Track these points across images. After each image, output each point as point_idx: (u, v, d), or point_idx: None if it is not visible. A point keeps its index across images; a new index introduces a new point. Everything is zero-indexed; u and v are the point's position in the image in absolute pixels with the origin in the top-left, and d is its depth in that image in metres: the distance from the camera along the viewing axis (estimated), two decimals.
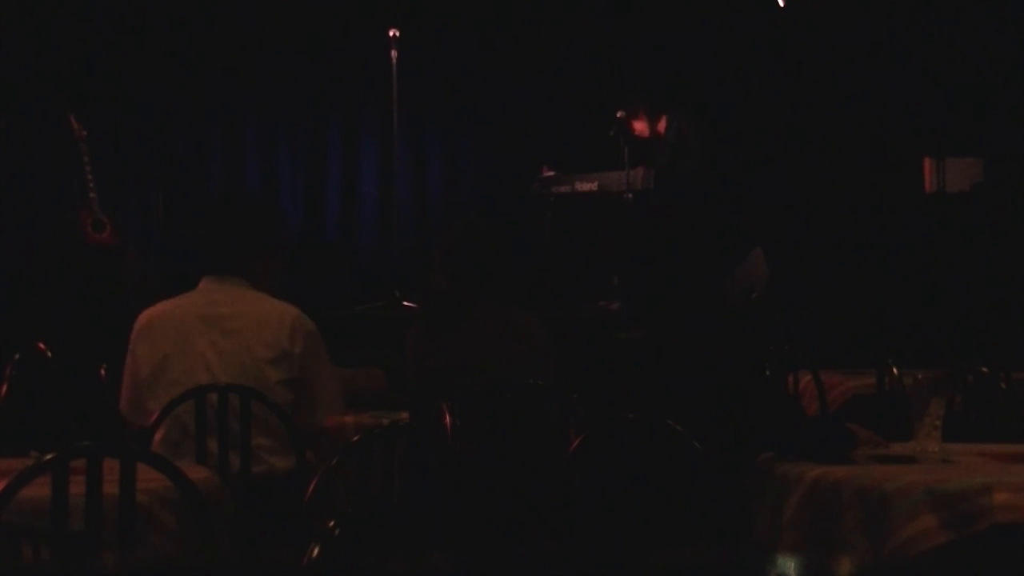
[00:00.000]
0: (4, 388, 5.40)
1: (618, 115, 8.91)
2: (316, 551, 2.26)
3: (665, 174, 8.89)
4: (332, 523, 2.33)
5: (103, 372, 5.33)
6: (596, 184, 9.05)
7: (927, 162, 9.07)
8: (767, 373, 5.80)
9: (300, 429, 4.35)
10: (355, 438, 3.60)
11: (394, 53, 8.84)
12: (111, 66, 9.45)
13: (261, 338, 4.38)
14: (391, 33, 8.84)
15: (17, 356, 5.53)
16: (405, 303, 8.47)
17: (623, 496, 3.76)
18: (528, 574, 1.93)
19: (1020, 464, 3.65)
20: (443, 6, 9.89)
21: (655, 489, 3.73)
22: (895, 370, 5.80)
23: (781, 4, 9.12)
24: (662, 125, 9.08)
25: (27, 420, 5.37)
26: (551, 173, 9.30)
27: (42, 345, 5.66)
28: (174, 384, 4.33)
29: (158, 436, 4.29)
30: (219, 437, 4.28)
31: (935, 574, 2.23)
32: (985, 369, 5.20)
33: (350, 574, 2.21)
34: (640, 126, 9.05)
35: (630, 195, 8.82)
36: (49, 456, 3.03)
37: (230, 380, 4.33)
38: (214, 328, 4.40)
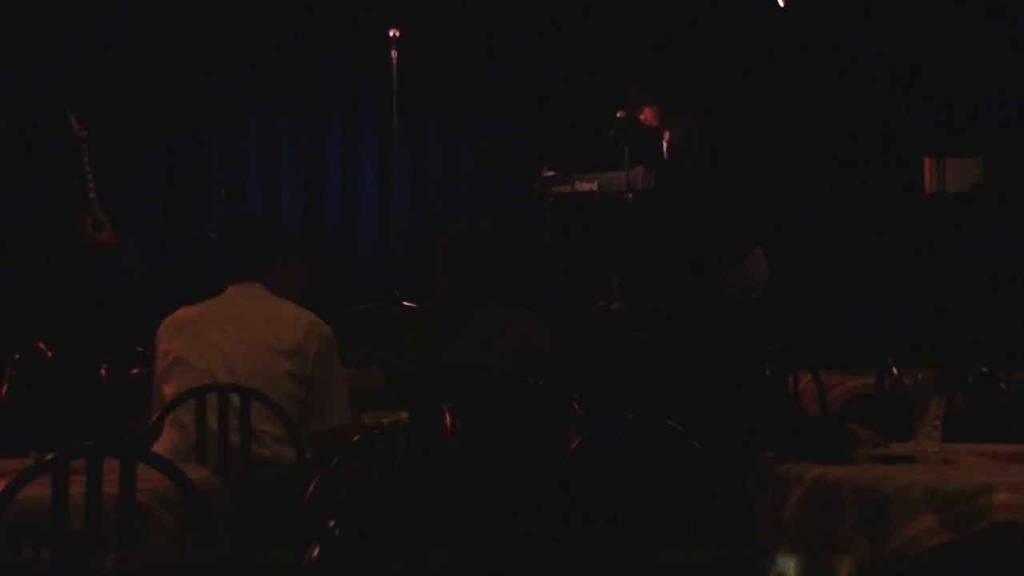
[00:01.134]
0: (4, 388, 5.40)
1: (618, 115, 8.91)
2: (316, 551, 2.26)
3: (665, 174, 8.89)
4: (332, 523, 2.33)
5: (103, 372, 5.34)
6: (596, 184, 9.05)
7: (927, 162, 9.07)
8: (767, 373, 5.80)
9: (307, 433, 4.41)
10: (355, 438, 3.60)
11: (394, 53, 8.84)
12: (111, 66, 9.44)
13: (276, 332, 4.49)
14: (391, 33, 8.84)
15: (17, 356, 5.53)
16: (405, 303, 8.47)
17: (623, 496, 3.76)
18: (528, 574, 1.93)
19: (1020, 464, 3.65)
20: (443, 6, 9.89)
21: (655, 489, 3.73)
22: (895, 370, 5.81)
23: (781, 4, 9.12)
24: (671, 121, 9.06)
25: (27, 420, 5.38)
26: (551, 173, 9.30)
27: (42, 345, 5.66)
28: (188, 371, 4.43)
29: (167, 423, 4.34)
30: (220, 432, 4.30)
31: (935, 574, 2.23)
32: (985, 369, 5.20)
33: (350, 574, 2.21)
34: (649, 113, 9.02)
35: (630, 195, 8.82)
36: (49, 456, 3.03)
37: (243, 367, 4.42)
38: (230, 322, 4.51)
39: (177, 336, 4.52)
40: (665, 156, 9.08)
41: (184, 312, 4.60)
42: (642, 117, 9.00)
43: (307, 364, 4.49)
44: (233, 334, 4.49)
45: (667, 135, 9.09)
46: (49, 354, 5.65)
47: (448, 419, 4.03)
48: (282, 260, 4.67)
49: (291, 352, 4.48)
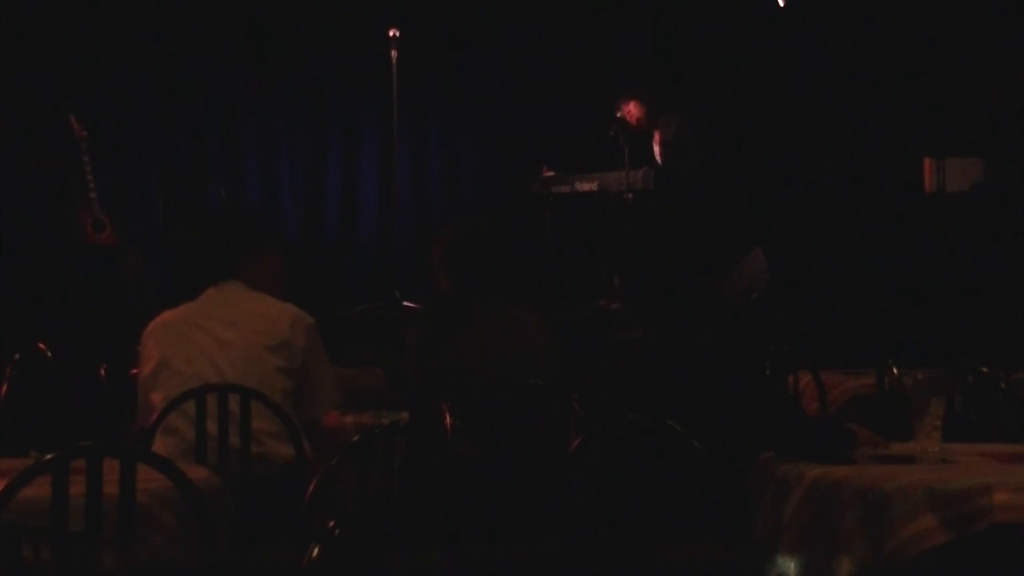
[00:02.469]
0: (4, 388, 5.41)
1: (618, 115, 8.90)
2: (316, 551, 2.26)
3: (665, 174, 8.89)
4: (332, 523, 2.33)
5: (103, 372, 5.34)
6: (596, 184, 9.05)
7: (927, 162, 9.07)
8: (767, 373, 5.80)
9: (301, 422, 4.44)
10: (355, 438, 3.61)
11: (394, 53, 8.84)
12: (111, 66, 9.45)
13: (261, 328, 4.50)
14: (391, 33, 8.84)
15: (17, 356, 5.53)
16: (405, 303, 8.47)
17: (623, 496, 3.76)
18: (528, 574, 1.93)
19: (1020, 464, 3.65)
20: (443, 6, 9.89)
21: (655, 489, 3.73)
22: (895, 370, 5.81)
23: (781, 4, 9.12)
24: (660, 121, 9.06)
25: (27, 420, 5.38)
26: (551, 173, 9.29)
27: (42, 345, 5.66)
28: (177, 374, 4.43)
29: (159, 431, 4.34)
30: (220, 431, 4.31)
31: (935, 574, 2.23)
32: (985, 369, 5.20)
33: (350, 574, 2.21)
34: (633, 108, 9.01)
35: (630, 195, 8.81)
36: (49, 456, 3.03)
37: (231, 367, 4.44)
38: (215, 323, 4.52)
39: (162, 341, 4.52)
40: (658, 158, 9.07)
41: (166, 316, 4.60)
42: (626, 111, 8.99)
43: (295, 357, 4.51)
44: (218, 335, 4.50)
45: (657, 135, 9.09)
46: (49, 354, 5.65)
47: (448, 419, 4.03)
48: (256, 256, 4.67)
49: (278, 347, 4.49)
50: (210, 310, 4.57)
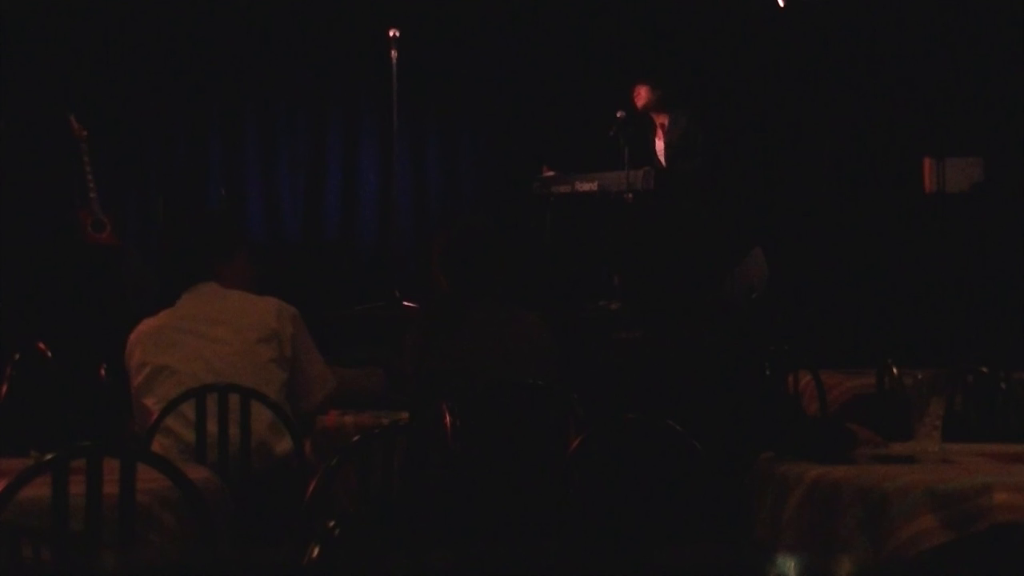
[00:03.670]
0: (4, 388, 5.41)
1: (618, 115, 8.90)
2: (316, 551, 2.26)
3: (665, 174, 8.89)
4: (332, 523, 2.33)
5: (103, 372, 5.34)
6: (596, 184, 9.05)
7: (927, 162, 9.07)
8: (767, 373, 5.79)
9: (300, 411, 4.46)
10: (355, 438, 3.61)
11: (394, 53, 8.84)
12: (111, 66, 9.45)
13: (249, 322, 4.53)
14: (391, 33, 8.84)
15: (17, 356, 5.54)
16: (405, 303, 8.47)
17: (623, 496, 3.76)
18: (528, 574, 1.93)
19: (1020, 464, 3.65)
20: (443, 6, 9.89)
21: (655, 489, 3.73)
22: (895, 370, 5.80)
23: (781, 4, 9.12)
24: (669, 117, 9.05)
25: (27, 420, 5.38)
26: (551, 173, 9.29)
27: (42, 345, 5.66)
28: (172, 376, 4.43)
29: (157, 432, 4.35)
30: (220, 431, 4.32)
31: (935, 574, 2.23)
32: (985, 369, 5.20)
33: (350, 574, 2.21)
34: (643, 92, 8.99)
35: (630, 195, 8.81)
36: (49, 456, 3.03)
37: (227, 364, 4.45)
38: (201, 323, 4.53)
39: (150, 348, 4.53)
40: (660, 156, 9.07)
41: (148, 324, 4.61)
42: (635, 94, 8.98)
43: (285, 346, 4.54)
44: (208, 335, 4.52)
45: (660, 133, 9.09)
46: (49, 354, 5.65)
47: (448, 419, 4.03)
48: (225, 257, 4.69)
49: (268, 338, 4.51)
50: (193, 311, 4.58)
